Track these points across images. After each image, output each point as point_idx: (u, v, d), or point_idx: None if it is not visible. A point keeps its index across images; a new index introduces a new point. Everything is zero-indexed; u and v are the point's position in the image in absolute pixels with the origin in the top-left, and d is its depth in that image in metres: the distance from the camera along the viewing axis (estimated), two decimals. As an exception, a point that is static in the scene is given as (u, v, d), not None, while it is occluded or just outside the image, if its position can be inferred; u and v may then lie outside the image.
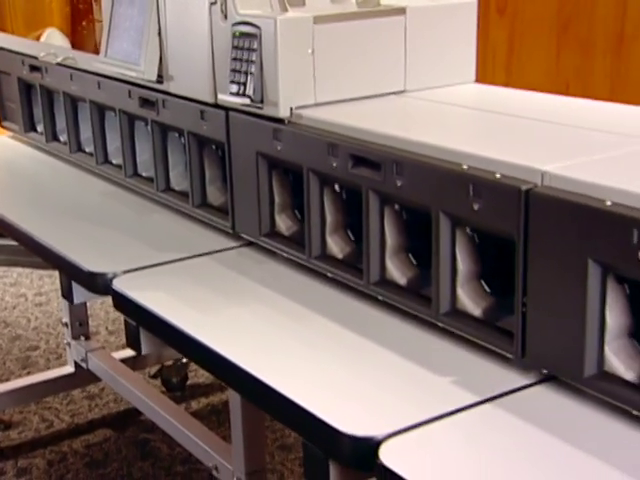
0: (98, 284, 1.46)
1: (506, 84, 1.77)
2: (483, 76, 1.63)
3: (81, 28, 2.30)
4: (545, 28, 2.58)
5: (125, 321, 1.44)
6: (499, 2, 2.64)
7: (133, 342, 1.43)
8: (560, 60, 2.57)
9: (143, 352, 1.44)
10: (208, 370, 1.34)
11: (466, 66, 1.55)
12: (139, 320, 1.40)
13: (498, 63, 2.68)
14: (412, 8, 1.47)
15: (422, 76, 1.50)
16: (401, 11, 1.46)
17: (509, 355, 1.10)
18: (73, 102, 2.00)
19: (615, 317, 0.98)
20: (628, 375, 0.98)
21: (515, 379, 1.08)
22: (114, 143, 1.90)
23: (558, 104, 1.43)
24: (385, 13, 1.46)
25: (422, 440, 0.98)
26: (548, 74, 2.58)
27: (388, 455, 0.95)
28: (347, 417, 1.02)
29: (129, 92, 1.77)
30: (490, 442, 0.98)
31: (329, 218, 1.36)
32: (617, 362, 0.99)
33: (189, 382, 2.66)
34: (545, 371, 1.07)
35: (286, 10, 1.44)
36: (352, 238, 1.37)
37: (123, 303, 1.41)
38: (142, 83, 1.71)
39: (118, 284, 1.43)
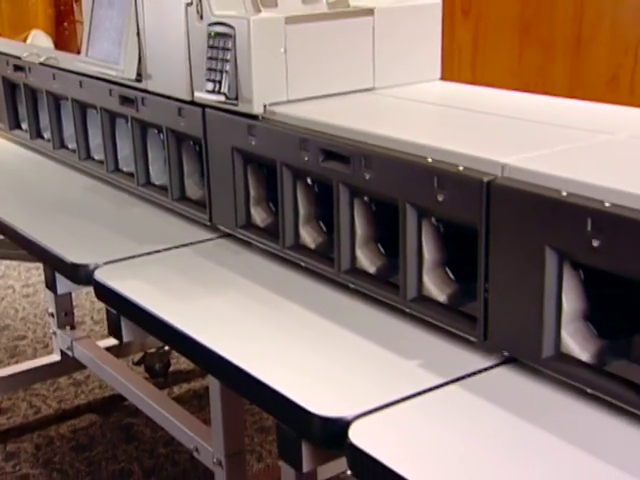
0: (80, 275, 1.45)
1: (471, 82, 1.77)
2: (450, 74, 1.63)
3: (63, 29, 2.28)
4: (508, 29, 2.58)
5: (107, 310, 1.43)
6: (464, 4, 2.64)
7: (114, 330, 1.42)
8: (522, 60, 2.58)
9: (124, 340, 1.43)
10: (186, 356, 1.33)
11: (432, 64, 1.54)
12: (120, 309, 1.39)
13: (463, 62, 2.68)
14: (380, 9, 1.46)
15: (390, 74, 1.49)
16: (369, 12, 1.46)
17: (472, 338, 1.10)
18: (56, 100, 1.98)
19: (571, 301, 0.98)
20: (583, 356, 0.99)
21: (478, 361, 1.08)
22: (96, 139, 1.88)
23: (519, 100, 1.43)
24: (354, 14, 1.45)
25: (390, 420, 0.98)
26: (511, 73, 2.58)
27: (357, 435, 0.95)
28: (318, 399, 1.02)
29: (110, 90, 1.75)
30: (455, 421, 0.98)
31: (302, 210, 1.36)
32: (573, 344, 0.99)
33: (171, 369, 2.65)
34: (506, 353, 1.07)
35: (259, 11, 1.43)
36: (324, 229, 1.36)
37: (104, 293, 1.40)
38: (122, 82, 1.70)
39: (99, 275, 1.42)
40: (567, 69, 2.49)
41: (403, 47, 1.50)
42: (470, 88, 1.52)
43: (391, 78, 1.50)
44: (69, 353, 2.36)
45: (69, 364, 2.44)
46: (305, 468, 1.07)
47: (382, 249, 1.27)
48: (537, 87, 2.48)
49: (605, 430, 0.94)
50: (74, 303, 2.62)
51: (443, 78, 1.58)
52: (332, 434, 0.98)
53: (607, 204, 0.91)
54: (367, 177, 1.19)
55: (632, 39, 2.36)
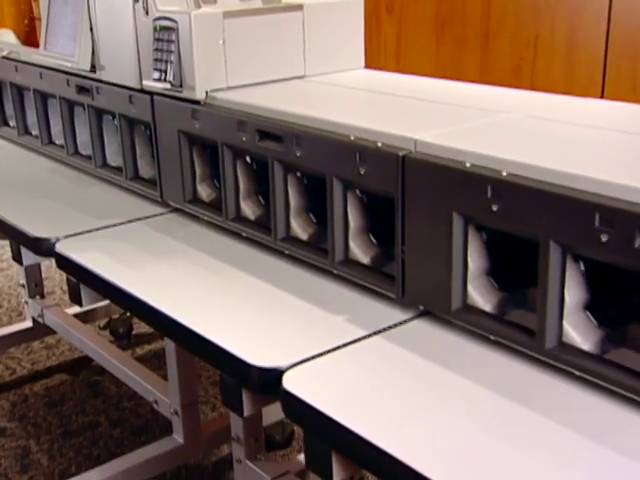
0: (43, 248, 1.41)
1: (395, 72, 1.76)
2: (377, 65, 1.63)
3: (24, 26, 2.21)
4: (426, 26, 2.58)
5: (67, 279, 1.40)
6: (388, 3, 2.63)
7: (75, 297, 1.39)
8: (439, 53, 2.58)
9: (84, 305, 1.40)
10: (139, 318, 1.32)
11: (356, 54, 1.53)
12: (79, 278, 1.36)
13: (389, 54, 2.67)
14: (308, 5, 1.44)
15: (319, 63, 1.48)
16: (299, 7, 1.44)
17: (392, 295, 1.10)
18: (19, 91, 1.93)
19: (475, 260, 0.99)
20: (486, 307, 0.99)
21: (397, 315, 1.08)
22: (57, 126, 1.84)
23: (433, 86, 1.43)
24: (285, 9, 1.43)
25: (319, 369, 0.98)
26: (430, 64, 2.59)
27: (290, 382, 0.94)
28: (256, 352, 1.01)
29: (67, 81, 1.71)
30: (377, 368, 0.98)
31: (242, 186, 1.34)
32: (477, 297, 1.00)
33: (134, 332, 2.61)
34: (421, 307, 1.07)
35: (199, 7, 1.40)
36: (262, 202, 1.35)
37: (64, 263, 1.37)
38: (78, 73, 1.66)
39: (60, 247, 1.39)
40: (477, 60, 2.50)
41: (330, 39, 1.48)
42: (390, 75, 1.52)
43: (320, 67, 1.48)
44: (40, 320, 2.31)
45: (40, 330, 2.39)
46: (246, 413, 1.06)
47: (313, 218, 1.26)
48: (452, 76, 2.48)
49: (505, 369, 0.95)
50: (45, 276, 2.58)
51: (370, 68, 1.57)
52: (268, 382, 0.97)
53: (504, 173, 0.92)
54: (298, 154, 1.18)
55: (532, 35, 2.38)
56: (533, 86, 2.29)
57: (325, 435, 0.90)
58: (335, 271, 1.18)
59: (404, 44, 2.65)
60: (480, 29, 2.47)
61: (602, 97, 2.22)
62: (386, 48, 2.68)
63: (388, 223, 1.08)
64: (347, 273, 1.16)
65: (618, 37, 2.23)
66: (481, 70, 2.49)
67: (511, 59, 2.42)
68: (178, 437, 1.77)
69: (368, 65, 1.57)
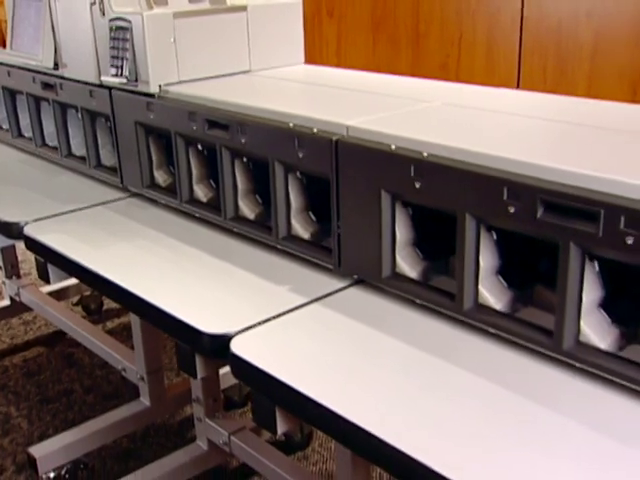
0: (12, 230, 1.37)
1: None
2: (320, 62, 1.61)
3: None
4: (363, 28, 2.56)
5: (35, 259, 1.36)
6: (328, 7, 2.60)
7: (43, 275, 1.35)
8: (375, 51, 2.57)
9: (52, 283, 1.37)
10: (102, 293, 1.29)
11: (296, 51, 1.51)
12: (46, 257, 1.32)
13: (330, 53, 2.65)
14: (252, 6, 1.42)
15: (262, 58, 1.45)
16: (243, 8, 1.41)
17: (329, 266, 1.09)
18: (-10, 89, 1.86)
19: (402, 232, 0.98)
20: (412, 274, 0.99)
21: (334, 284, 1.08)
22: (25, 120, 1.78)
23: (366, 78, 1.41)
24: (231, 10, 1.40)
25: (264, 334, 0.97)
26: (367, 61, 2.57)
27: (238, 346, 0.93)
28: (207, 320, 0.99)
29: (33, 78, 1.65)
30: (317, 331, 0.97)
31: (194, 171, 1.32)
32: (405, 265, 0.99)
33: (104, 307, 2.57)
34: (355, 276, 1.07)
35: (152, 8, 1.37)
36: (213, 185, 1.32)
37: (33, 245, 1.33)
38: (42, 70, 1.61)
39: (28, 230, 1.35)
40: (409, 58, 2.50)
41: (272, 37, 1.46)
42: (327, 69, 1.50)
43: (263, 62, 1.46)
44: (17, 298, 2.26)
45: (18, 307, 2.34)
46: (199, 375, 1.04)
47: (259, 199, 1.24)
48: (387, 72, 2.47)
49: (429, 328, 0.95)
50: (22, 259, 2.51)
51: (310, 63, 1.55)
52: (218, 347, 0.96)
53: (425, 154, 0.91)
54: (243, 141, 1.16)
55: (456, 35, 2.38)
56: (458, 79, 2.29)
57: (269, 393, 0.89)
58: (279, 246, 1.17)
59: (344, 43, 2.63)
60: (411, 30, 2.47)
61: (518, 88, 2.23)
62: (328, 47, 2.66)
63: (325, 201, 1.07)
64: (290, 248, 1.15)
65: (530, 36, 2.24)
66: (412, 66, 2.48)
67: (438, 56, 2.42)
68: (145, 400, 1.75)
69: (312, 62, 1.55)
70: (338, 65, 2.64)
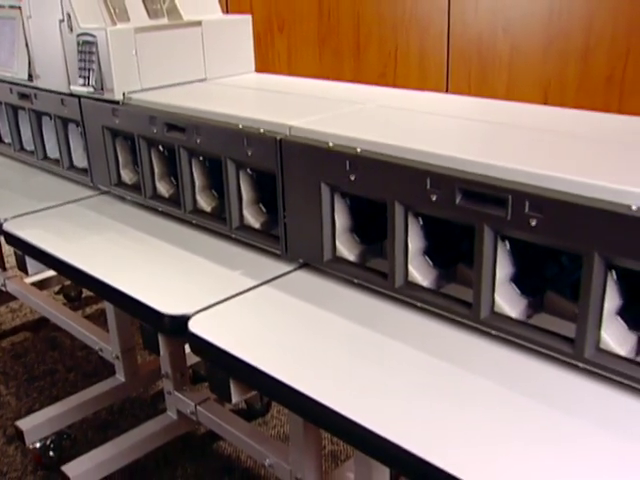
0: (-8, 227, 1.32)
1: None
2: (273, 73, 1.58)
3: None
4: (310, 41, 2.54)
5: (14, 252, 1.31)
6: (279, 24, 2.57)
7: (21, 266, 1.31)
8: (322, 62, 2.55)
9: (30, 273, 1.33)
10: (74, 282, 1.25)
11: (247, 61, 1.48)
12: (24, 250, 1.28)
13: (282, 64, 2.62)
14: (206, 21, 1.39)
15: (217, 68, 1.42)
16: (198, 23, 1.38)
17: (277, 252, 1.07)
18: (-30, 99, 1.79)
19: (341, 220, 0.97)
20: (351, 257, 0.98)
21: (282, 267, 1.06)
22: (5, 127, 1.72)
23: (309, 84, 1.39)
24: (187, 25, 1.37)
25: (219, 313, 0.95)
26: (315, 71, 2.55)
27: (195, 325, 0.91)
28: (167, 303, 0.97)
29: (10, 89, 1.60)
30: (266, 310, 0.96)
31: (156, 169, 1.29)
32: (344, 250, 0.98)
33: (83, 295, 2.51)
34: (301, 260, 1.05)
35: (115, 24, 1.32)
36: (174, 182, 1.30)
37: (11, 239, 1.29)
38: (18, 82, 1.55)
39: (7, 226, 1.30)
40: (352, 68, 2.48)
41: (225, 48, 1.43)
42: (274, 77, 1.48)
43: (218, 71, 1.43)
44: (3, 289, 2.18)
45: (4, 297, 2.25)
46: (162, 352, 1.02)
47: (215, 193, 1.22)
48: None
49: (364, 304, 0.94)
50: (9, 253, 2.43)
51: (260, 72, 1.52)
52: (178, 326, 0.94)
53: (359, 150, 0.90)
54: (198, 141, 1.13)
55: (392, 47, 2.38)
56: (395, 86, 2.29)
57: (223, 365, 0.87)
58: (233, 235, 1.15)
59: (294, 56, 2.60)
60: (353, 43, 2.45)
61: (447, 93, 2.24)
62: (279, 59, 2.63)
63: (273, 194, 1.05)
64: (242, 236, 1.13)
65: (456, 49, 2.25)
66: (355, 75, 2.47)
67: (377, 66, 2.41)
68: (120, 377, 1.71)
69: (265, 73, 1.52)
70: (289, 74, 2.62)
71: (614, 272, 0.71)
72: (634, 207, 0.66)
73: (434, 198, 0.82)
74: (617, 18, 1.92)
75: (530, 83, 2.12)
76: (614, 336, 0.72)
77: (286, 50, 2.60)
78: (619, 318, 0.73)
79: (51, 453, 1.65)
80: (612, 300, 0.71)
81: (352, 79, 2.48)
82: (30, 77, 1.51)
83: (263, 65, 2.45)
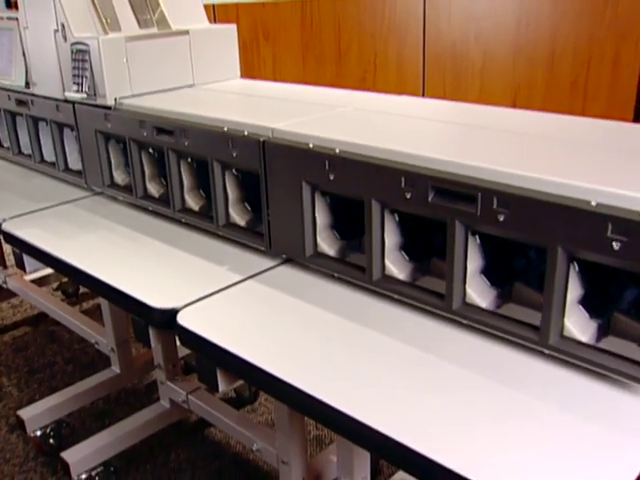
0: (-8, 227, 1.31)
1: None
2: (258, 79, 1.57)
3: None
4: (294, 48, 2.53)
5: (13, 250, 1.30)
6: (264, 32, 2.56)
7: (19, 264, 1.29)
8: (305, 68, 2.54)
9: (27, 271, 1.31)
10: (71, 279, 1.23)
11: (233, 67, 1.46)
12: (22, 249, 1.26)
13: (267, 70, 2.61)
14: (193, 30, 1.37)
15: (204, 74, 1.41)
16: (186, 32, 1.36)
17: (262, 248, 1.07)
18: (-31, 105, 1.77)
19: (321, 218, 0.97)
20: (331, 253, 0.98)
21: (266, 263, 1.05)
22: (3, 132, 1.70)
23: (292, 89, 1.38)
24: (175, 34, 1.36)
25: (206, 307, 0.94)
26: (298, 77, 2.55)
27: (183, 318, 0.90)
28: (157, 297, 0.96)
29: (8, 96, 1.57)
30: (252, 303, 0.95)
31: (147, 171, 1.27)
32: (325, 245, 0.98)
33: (80, 291, 2.49)
34: (284, 256, 1.05)
35: (107, 33, 1.31)
36: (164, 183, 1.28)
37: (10, 238, 1.27)
38: (16, 89, 1.53)
39: (6, 226, 1.28)
40: (333, 73, 2.48)
41: (212, 56, 1.42)
42: (259, 82, 1.46)
43: (205, 77, 1.41)
44: (4, 286, 2.16)
45: (5, 294, 2.23)
46: (153, 344, 1.01)
47: (202, 193, 1.21)
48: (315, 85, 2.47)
49: (344, 297, 0.94)
50: (9, 252, 2.40)
51: (245, 78, 1.51)
52: (167, 320, 0.93)
53: (337, 150, 0.89)
54: (186, 144, 1.12)
55: (372, 54, 2.37)
56: (375, 91, 2.29)
57: (211, 356, 0.87)
58: (219, 233, 1.14)
59: (278, 62, 2.59)
60: (334, 50, 2.45)
61: (423, 97, 2.25)
62: (265, 66, 2.62)
63: (257, 193, 1.04)
64: (228, 234, 1.12)
65: (431, 56, 2.25)
66: (336, 80, 2.47)
67: (358, 72, 2.41)
68: (115, 368, 1.70)
69: (251, 79, 1.51)
70: (274, 81, 2.61)
71: (576, 264, 0.71)
72: (594, 203, 0.66)
73: (409, 196, 0.81)
74: (579, 29, 1.93)
75: (501, 88, 2.12)
76: (576, 324, 0.73)
77: (271, 57, 2.59)
78: (581, 307, 0.73)
79: (51, 440, 1.64)
80: (574, 290, 0.72)
81: (334, 84, 2.48)
82: (27, 84, 1.49)
83: (250, 71, 2.44)
